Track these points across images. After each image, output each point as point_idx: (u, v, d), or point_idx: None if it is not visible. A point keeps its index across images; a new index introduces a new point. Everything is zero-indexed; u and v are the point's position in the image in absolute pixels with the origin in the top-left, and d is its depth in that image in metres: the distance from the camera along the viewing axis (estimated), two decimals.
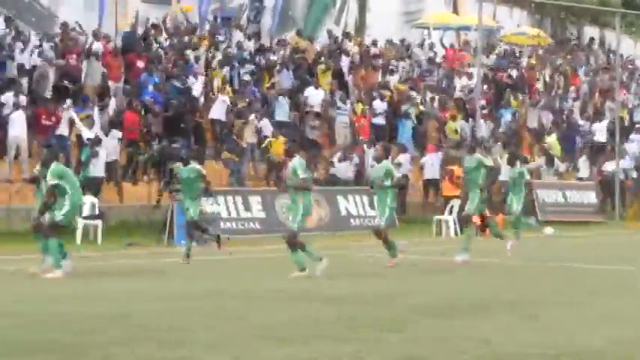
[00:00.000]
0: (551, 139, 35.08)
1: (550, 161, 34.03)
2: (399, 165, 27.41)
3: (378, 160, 18.75)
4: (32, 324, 11.11)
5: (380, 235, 18.30)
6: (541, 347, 9.49)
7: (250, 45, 34.08)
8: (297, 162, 16.57)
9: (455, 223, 27.11)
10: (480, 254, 19.36)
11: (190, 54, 31.72)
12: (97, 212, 24.57)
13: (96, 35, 30.30)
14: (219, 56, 32.45)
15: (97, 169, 25.69)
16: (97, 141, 26.03)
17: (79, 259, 18.97)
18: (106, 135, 26.74)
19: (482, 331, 10.47)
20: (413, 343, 9.85)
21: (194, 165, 19.91)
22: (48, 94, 27.81)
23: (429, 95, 35.26)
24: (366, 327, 10.79)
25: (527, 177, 23.27)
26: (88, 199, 24.44)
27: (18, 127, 26.16)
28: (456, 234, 26.57)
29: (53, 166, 16.97)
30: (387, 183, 17.97)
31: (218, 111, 29.87)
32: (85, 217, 24.03)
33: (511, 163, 23.07)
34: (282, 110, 31.25)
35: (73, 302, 13.19)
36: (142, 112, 28.45)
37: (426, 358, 9.11)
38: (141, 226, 25.41)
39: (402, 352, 9.31)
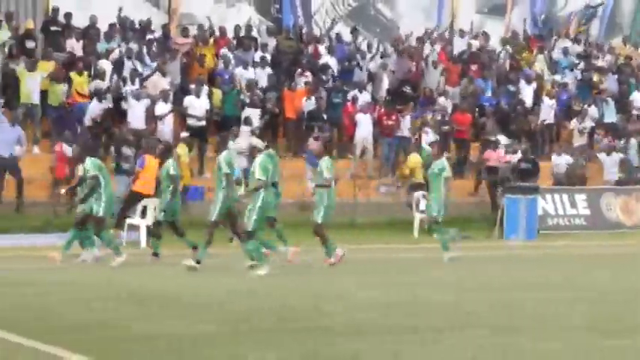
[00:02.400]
0: None
1: None
2: None
3: None
4: (371, 308, 11.69)
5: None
6: None
7: (576, 49, 33.82)
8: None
9: None
10: None
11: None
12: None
13: (435, 43, 31.35)
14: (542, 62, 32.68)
15: None
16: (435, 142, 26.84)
17: (414, 251, 19.59)
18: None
19: None
20: None
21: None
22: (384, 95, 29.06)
23: None
24: None
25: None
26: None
27: (365, 128, 27.41)
28: None
29: (92, 159, 17.44)
30: None
31: (545, 113, 30.06)
32: (422, 212, 24.74)
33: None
34: (611, 113, 30.98)
35: (409, 289, 13.45)
36: (475, 114, 29.09)
37: None
38: (472, 220, 25.56)
39: None
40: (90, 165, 17.28)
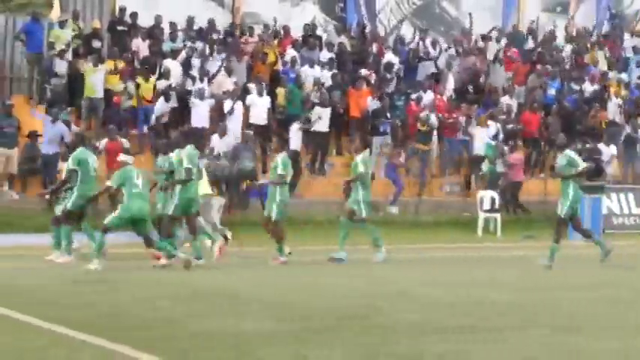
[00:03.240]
0: None
1: None
2: None
3: None
4: (436, 306, 11.66)
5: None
6: None
7: None
8: None
9: None
10: None
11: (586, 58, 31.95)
12: (496, 206, 25.06)
13: (498, 41, 31.25)
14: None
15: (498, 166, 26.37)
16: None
17: (478, 249, 19.52)
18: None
19: None
20: None
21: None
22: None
23: None
24: None
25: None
26: (489, 194, 25.12)
27: None
28: None
29: (78, 151, 17.25)
30: None
31: (612, 112, 29.76)
32: (486, 211, 24.70)
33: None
34: None
35: (471, 288, 13.47)
36: (542, 113, 28.93)
37: None
38: (538, 220, 25.20)
39: None
40: (71, 159, 17.26)
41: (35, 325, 9.84)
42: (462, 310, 11.18)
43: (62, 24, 26.11)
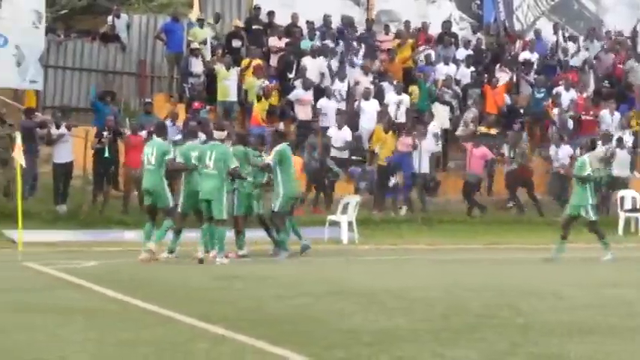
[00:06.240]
0: None
1: None
2: None
3: None
4: (578, 307, 11.38)
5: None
6: None
7: None
8: None
9: None
10: None
11: None
12: (638, 206, 24.51)
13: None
14: None
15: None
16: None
17: (619, 250, 19.15)
18: None
19: None
20: None
21: None
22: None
23: None
24: None
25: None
26: (630, 193, 24.58)
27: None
28: None
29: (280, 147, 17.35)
30: None
31: None
32: (627, 210, 24.20)
33: None
34: None
35: (614, 289, 13.20)
36: None
37: None
38: None
39: None
40: (273, 154, 17.46)
41: (177, 319, 10.00)
42: (605, 311, 10.92)
43: (201, 23, 26.50)
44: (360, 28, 29.16)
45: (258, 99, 24.69)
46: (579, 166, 17.85)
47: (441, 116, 26.09)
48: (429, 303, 11.44)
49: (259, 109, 24.54)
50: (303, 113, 25.40)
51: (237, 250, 17.52)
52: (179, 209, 17.02)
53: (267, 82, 25.20)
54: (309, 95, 25.54)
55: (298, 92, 25.52)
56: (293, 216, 18.33)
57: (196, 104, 24.30)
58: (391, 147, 24.39)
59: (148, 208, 17.04)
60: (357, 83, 26.50)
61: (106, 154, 21.99)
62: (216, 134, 16.64)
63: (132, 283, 13.32)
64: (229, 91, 25.29)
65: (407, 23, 29.52)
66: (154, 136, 17.47)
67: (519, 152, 25.64)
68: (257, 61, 25.95)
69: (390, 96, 26.09)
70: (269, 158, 17.43)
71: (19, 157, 17.84)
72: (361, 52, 27.67)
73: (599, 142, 24.79)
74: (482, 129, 26.14)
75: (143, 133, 21.99)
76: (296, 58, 26.74)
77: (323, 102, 25.64)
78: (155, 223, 16.82)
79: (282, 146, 17.58)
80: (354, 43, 28.03)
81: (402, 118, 25.73)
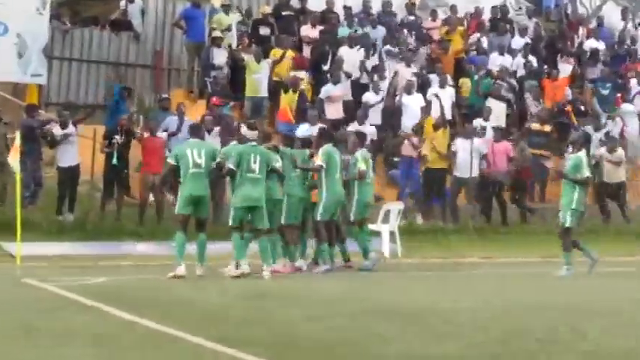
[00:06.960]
0: None
1: None
2: None
3: None
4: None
5: None
6: None
7: None
8: None
9: None
10: None
11: None
12: None
13: None
14: None
15: None
16: None
17: None
18: None
19: None
20: None
21: None
22: None
23: None
24: None
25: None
26: None
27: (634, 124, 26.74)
28: None
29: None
30: None
31: None
32: None
33: None
34: None
35: None
36: None
37: None
38: None
39: None
40: (321, 153, 17.53)
41: (194, 342, 9.85)
42: None
43: (227, 9, 26.37)
44: (400, 14, 28.88)
45: (285, 91, 24.51)
46: (573, 166, 17.44)
47: (496, 112, 25.78)
48: (483, 325, 11.27)
49: (287, 102, 24.34)
50: (334, 110, 25.09)
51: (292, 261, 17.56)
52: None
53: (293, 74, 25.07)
54: (339, 90, 25.27)
55: (328, 88, 25.28)
56: (365, 225, 18.48)
57: (214, 99, 24.05)
58: (442, 147, 24.13)
59: (186, 218, 16.67)
60: (395, 74, 26.21)
61: (114, 161, 21.56)
62: (250, 134, 16.53)
63: (146, 303, 13.20)
64: (259, 86, 25.13)
65: (454, 8, 29.26)
66: (190, 137, 17.20)
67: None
68: (291, 53, 25.74)
69: (433, 89, 25.87)
70: (319, 160, 17.38)
71: (13, 162, 17.70)
72: (410, 40, 27.45)
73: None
74: (536, 126, 25.81)
75: (164, 135, 21.87)
76: (332, 48, 26.48)
77: (370, 96, 25.39)
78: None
79: (328, 147, 17.55)
80: (404, 31, 27.79)
81: (447, 114, 25.50)
